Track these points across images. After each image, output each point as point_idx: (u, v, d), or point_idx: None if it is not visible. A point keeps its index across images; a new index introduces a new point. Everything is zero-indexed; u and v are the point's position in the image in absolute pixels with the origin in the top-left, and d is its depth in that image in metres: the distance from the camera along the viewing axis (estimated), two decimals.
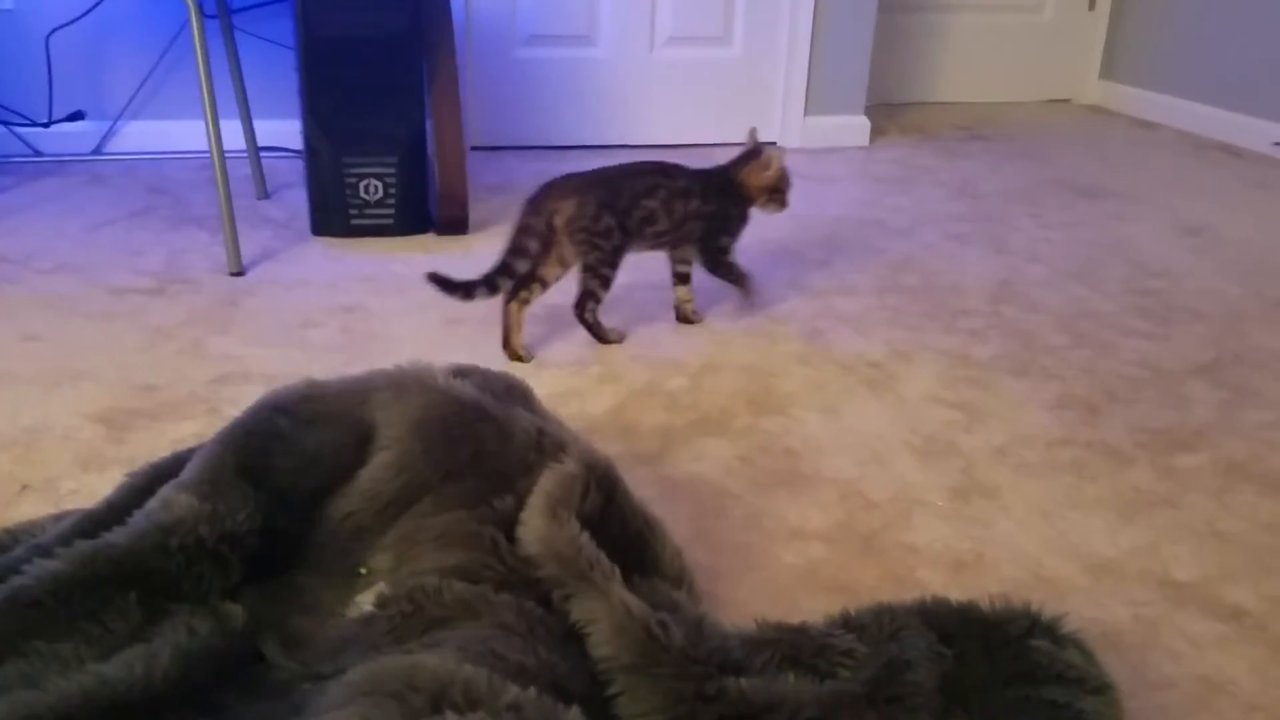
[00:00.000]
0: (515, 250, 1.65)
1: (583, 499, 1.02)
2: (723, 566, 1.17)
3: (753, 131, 1.83)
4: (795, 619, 0.99)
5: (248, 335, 1.73)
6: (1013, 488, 1.35)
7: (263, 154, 2.52)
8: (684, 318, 1.84)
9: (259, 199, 2.46)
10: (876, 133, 3.18)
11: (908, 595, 1.02)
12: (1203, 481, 1.37)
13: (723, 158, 1.81)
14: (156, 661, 0.85)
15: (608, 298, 1.72)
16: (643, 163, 1.76)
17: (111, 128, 2.78)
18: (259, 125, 2.51)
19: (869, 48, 3.03)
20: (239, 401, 1.49)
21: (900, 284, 2.03)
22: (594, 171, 1.70)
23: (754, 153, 1.78)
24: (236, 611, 0.94)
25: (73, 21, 2.66)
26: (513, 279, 1.65)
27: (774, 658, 0.93)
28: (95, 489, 1.21)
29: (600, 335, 1.73)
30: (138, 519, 0.96)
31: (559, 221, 1.64)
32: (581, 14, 2.88)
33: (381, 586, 0.98)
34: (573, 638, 0.92)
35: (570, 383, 1.60)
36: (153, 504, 0.98)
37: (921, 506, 1.30)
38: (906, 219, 2.43)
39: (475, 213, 2.33)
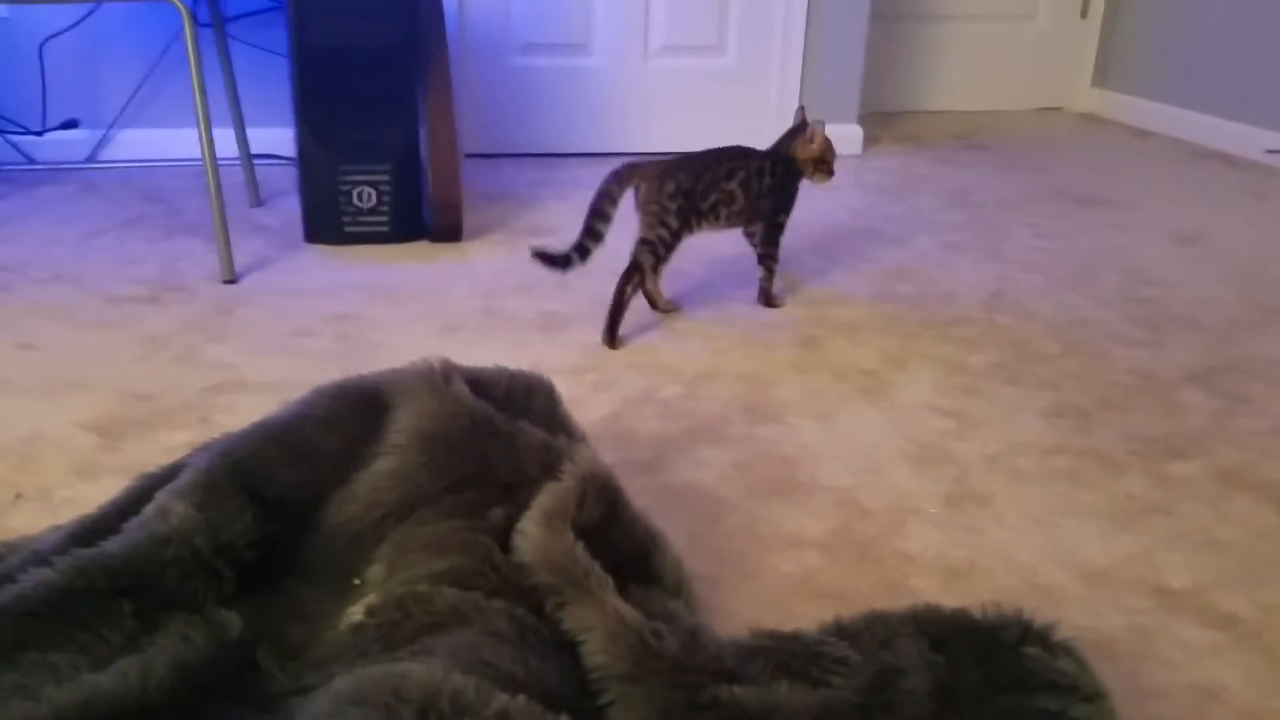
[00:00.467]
0: (597, 214, 1.72)
1: (579, 509, 1.02)
2: (718, 574, 1.17)
3: (800, 109, 1.93)
4: (790, 627, 0.98)
5: (242, 344, 1.73)
6: (1007, 495, 1.35)
7: (256, 162, 2.52)
8: (769, 302, 1.94)
9: (252, 207, 2.46)
10: (870, 141, 3.19)
11: (902, 603, 1.02)
12: (1197, 489, 1.37)
13: None
14: (151, 671, 0.84)
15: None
16: (725, 148, 1.84)
17: (105, 136, 2.78)
18: (252, 133, 2.51)
19: (862, 56, 3.04)
20: (233, 410, 1.50)
21: (895, 292, 2.04)
22: (681, 156, 1.80)
23: (800, 128, 1.87)
24: (233, 620, 0.93)
25: (66, 30, 2.67)
26: (599, 242, 1.72)
27: (768, 666, 0.92)
28: (90, 497, 1.20)
29: (616, 309, 1.77)
30: (134, 528, 0.96)
31: (642, 192, 1.74)
32: (576, 23, 2.89)
33: (372, 598, 0.98)
34: (564, 646, 0.92)
35: (566, 390, 1.59)
36: (150, 511, 0.97)
37: (916, 514, 1.30)
38: (901, 227, 2.43)
39: (470, 220, 2.33)
